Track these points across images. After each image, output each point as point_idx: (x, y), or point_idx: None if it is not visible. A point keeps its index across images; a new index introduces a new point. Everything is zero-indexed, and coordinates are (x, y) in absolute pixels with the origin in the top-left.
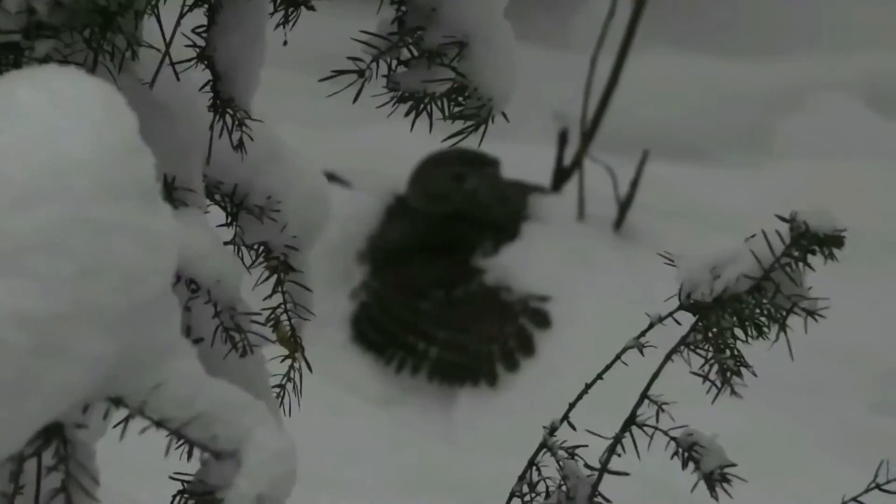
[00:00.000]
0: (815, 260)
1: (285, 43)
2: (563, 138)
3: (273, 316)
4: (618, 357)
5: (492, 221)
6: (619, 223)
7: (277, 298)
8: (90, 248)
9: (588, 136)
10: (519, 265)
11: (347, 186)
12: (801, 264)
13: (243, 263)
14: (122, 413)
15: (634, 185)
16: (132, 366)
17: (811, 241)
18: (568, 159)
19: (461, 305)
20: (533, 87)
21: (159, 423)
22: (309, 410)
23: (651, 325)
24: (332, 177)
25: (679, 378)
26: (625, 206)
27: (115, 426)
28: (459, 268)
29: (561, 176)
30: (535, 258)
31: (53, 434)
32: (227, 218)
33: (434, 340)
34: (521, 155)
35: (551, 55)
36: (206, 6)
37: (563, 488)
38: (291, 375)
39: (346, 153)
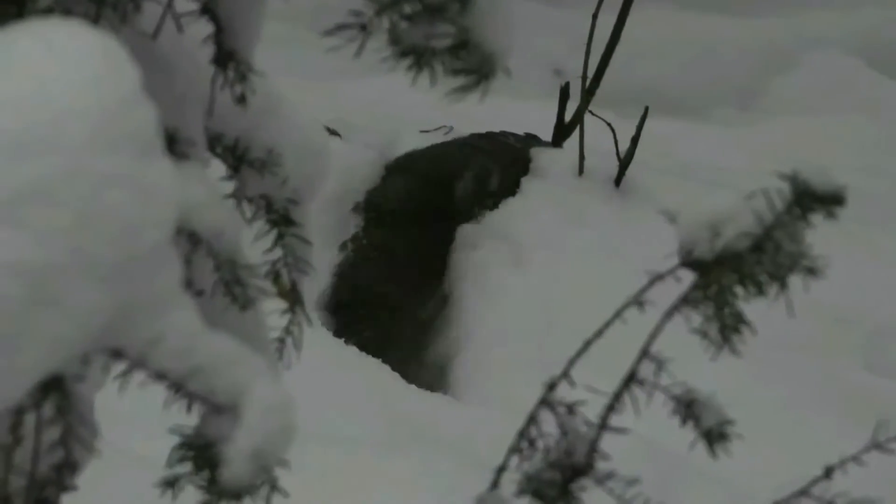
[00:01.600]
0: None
1: None
2: (564, 94)
3: (273, 269)
4: (618, 314)
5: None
6: (619, 179)
7: (277, 252)
8: (87, 199)
9: (589, 92)
10: (518, 220)
11: (339, 138)
12: (801, 222)
13: (244, 217)
14: (120, 366)
15: (635, 141)
16: (130, 318)
17: (812, 199)
18: (569, 115)
19: (426, 322)
20: (534, 43)
21: (159, 376)
22: (300, 363)
23: (652, 282)
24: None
25: (669, 337)
26: (625, 162)
27: (114, 379)
28: (440, 248)
29: (562, 131)
30: (534, 213)
31: (52, 386)
32: (228, 171)
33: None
34: (522, 110)
35: (553, 11)
36: None
37: (562, 444)
38: (291, 329)
39: (341, 106)
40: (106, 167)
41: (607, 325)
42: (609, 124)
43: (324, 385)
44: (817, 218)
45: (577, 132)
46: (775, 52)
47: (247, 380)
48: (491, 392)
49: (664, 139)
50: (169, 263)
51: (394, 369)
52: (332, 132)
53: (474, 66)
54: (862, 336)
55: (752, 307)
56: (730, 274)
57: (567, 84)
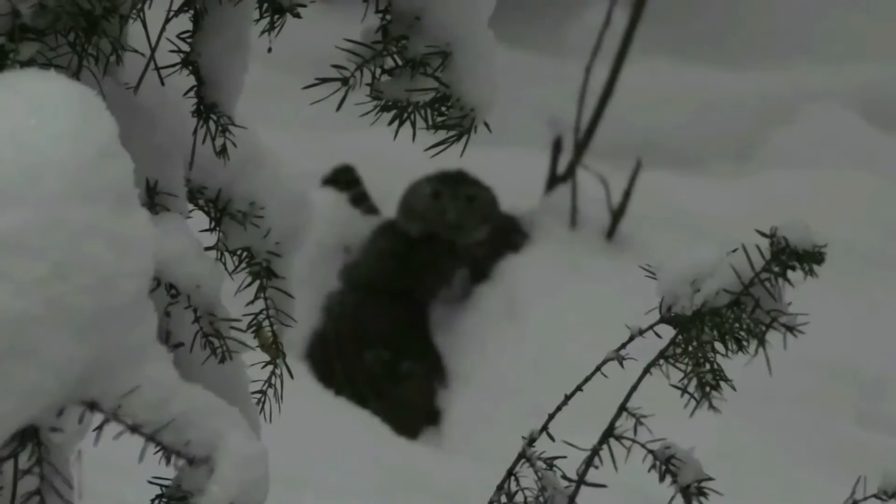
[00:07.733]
0: (800, 272)
1: (269, 50)
2: (556, 147)
3: (255, 322)
4: (597, 369)
5: (464, 250)
6: (611, 232)
7: (259, 304)
8: (63, 250)
9: (582, 145)
10: (511, 273)
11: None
12: (780, 279)
13: (226, 269)
14: (98, 417)
15: (627, 195)
16: (105, 369)
17: (790, 256)
18: (562, 167)
19: (399, 379)
20: (528, 94)
21: (133, 428)
22: (292, 411)
23: (631, 338)
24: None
25: (664, 388)
26: (617, 215)
27: (94, 430)
28: (413, 321)
29: (554, 185)
30: (527, 265)
31: (28, 437)
32: (210, 223)
33: (373, 393)
34: (515, 161)
35: (547, 62)
36: (191, 11)
37: (541, 499)
38: (272, 381)
39: (333, 157)
40: (83, 218)
41: (587, 380)
42: (602, 178)
43: (315, 436)
44: (797, 274)
45: (570, 185)
46: (773, 105)
47: (221, 432)
48: (484, 443)
49: (661, 191)
50: (145, 315)
51: (383, 421)
52: (352, 182)
53: (455, 120)
54: (855, 390)
55: (742, 361)
56: (709, 330)
57: (559, 138)
